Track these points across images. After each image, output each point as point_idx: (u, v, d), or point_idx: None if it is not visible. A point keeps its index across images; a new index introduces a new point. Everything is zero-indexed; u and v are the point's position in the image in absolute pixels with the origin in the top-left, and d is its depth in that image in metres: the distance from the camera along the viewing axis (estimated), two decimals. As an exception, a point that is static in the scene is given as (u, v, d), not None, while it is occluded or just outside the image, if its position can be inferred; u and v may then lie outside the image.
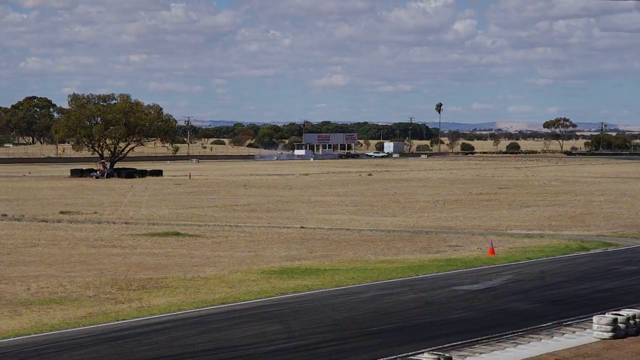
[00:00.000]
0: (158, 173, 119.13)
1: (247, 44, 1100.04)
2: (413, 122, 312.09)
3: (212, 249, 43.74)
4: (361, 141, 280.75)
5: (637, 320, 25.09)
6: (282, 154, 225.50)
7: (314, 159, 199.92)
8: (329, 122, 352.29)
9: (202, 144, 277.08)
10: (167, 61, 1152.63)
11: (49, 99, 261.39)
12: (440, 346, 23.03)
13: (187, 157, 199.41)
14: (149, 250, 43.29)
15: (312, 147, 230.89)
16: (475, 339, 24.29)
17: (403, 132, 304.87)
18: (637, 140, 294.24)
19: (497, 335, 24.81)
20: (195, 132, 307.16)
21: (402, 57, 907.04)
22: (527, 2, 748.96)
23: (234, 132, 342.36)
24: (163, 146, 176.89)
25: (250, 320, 26.59)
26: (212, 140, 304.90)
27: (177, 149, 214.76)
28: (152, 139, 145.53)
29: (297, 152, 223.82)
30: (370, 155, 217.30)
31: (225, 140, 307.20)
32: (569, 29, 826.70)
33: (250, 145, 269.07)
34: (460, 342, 23.90)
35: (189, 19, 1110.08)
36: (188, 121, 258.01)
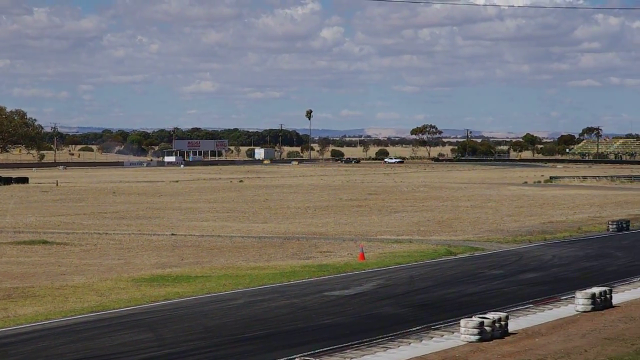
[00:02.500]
0: (24, 180, 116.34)
1: (113, 49, 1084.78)
2: (283, 128, 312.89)
3: (80, 257, 42.98)
4: (232, 148, 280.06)
5: (502, 323, 25.73)
6: (151, 160, 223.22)
7: (184, 166, 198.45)
8: (199, 128, 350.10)
9: (70, 150, 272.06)
10: (32, 66, 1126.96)
11: None
12: (312, 352, 23.17)
13: (54, 164, 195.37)
14: (14, 259, 42.25)
15: (182, 154, 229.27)
16: (347, 344, 24.51)
17: (274, 138, 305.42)
18: (501, 147, 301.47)
19: (367, 340, 25.10)
20: (62, 139, 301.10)
21: (270, 64, 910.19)
22: (392, 10, 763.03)
23: (102, 139, 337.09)
24: (28, 153, 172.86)
25: (121, 328, 26.24)
26: (79, 147, 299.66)
27: (43, 156, 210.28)
28: (18, 145, 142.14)
29: (167, 158, 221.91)
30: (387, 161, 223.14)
31: (94, 147, 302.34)
32: (433, 37, 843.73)
33: (119, 152, 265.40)
34: (331, 348, 24.09)
35: (53, 24, 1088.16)
36: (54, 127, 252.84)
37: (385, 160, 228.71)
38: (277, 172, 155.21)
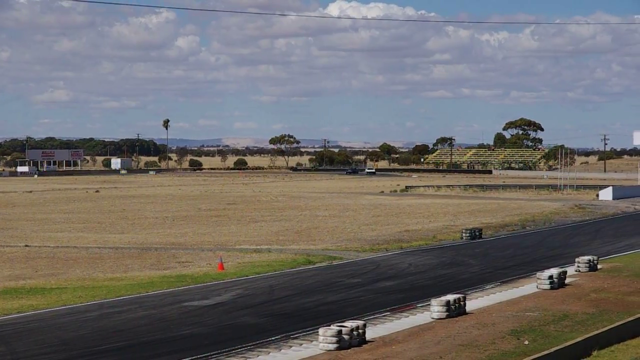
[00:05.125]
0: None
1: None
2: (140, 138, 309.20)
3: None
4: (88, 157, 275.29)
5: (360, 331, 26.07)
6: (3, 170, 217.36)
7: (38, 176, 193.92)
8: (53, 138, 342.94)
9: None
10: None
11: None
12: (171, 363, 23.01)
13: None
14: None
15: (36, 164, 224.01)
16: (205, 355, 24.45)
17: (131, 148, 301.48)
18: (358, 156, 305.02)
19: (226, 350, 25.08)
20: None
21: (126, 73, 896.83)
22: (248, 20, 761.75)
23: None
24: None
25: (-28, 343, 25.48)
26: None
27: None
28: None
29: (20, 168, 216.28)
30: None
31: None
32: (289, 48, 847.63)
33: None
34: (190, 358, 23.98)
35: None
36: None
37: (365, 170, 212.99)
38: (134, 182, 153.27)
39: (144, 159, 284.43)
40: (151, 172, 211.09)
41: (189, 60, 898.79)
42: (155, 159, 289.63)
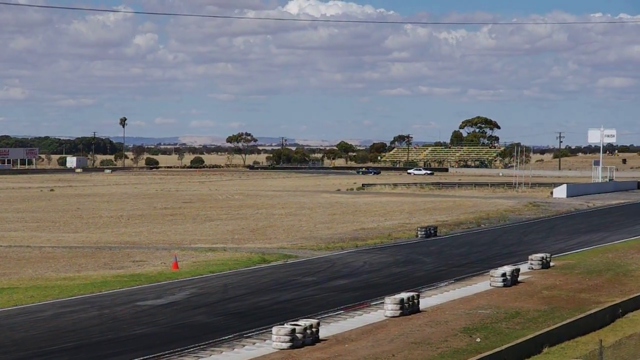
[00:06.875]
0: None
1: None
2: (96, 136, 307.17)
3: None
4: (43, 156, 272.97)
5: (313, 329, 26.10)
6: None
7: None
8: (8, 136, 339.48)
9: None
10: None
11: None
12: (123, 363, 22.90)
13: None
14: None
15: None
16: (157, 355, 24.35)
17: (86, 146, 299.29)
18: (315, 154, 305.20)
19: (179, 349, 25.01)
20: None
21: (83, 71, 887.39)
22: (206, 18, 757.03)
23: None
24: None
25: None
26: None
27: None
28: None
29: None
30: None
31: None
32: (248, 46, 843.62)
33: None
34: (142, 358, 23.88)
35: None
36: None
37: (410, 171, 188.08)
38: (90, 181, 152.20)
39: (100, 157, 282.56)
40: (107, 171, 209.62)
41: (146, 58, 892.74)
42: (112, 157, 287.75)
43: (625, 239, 55.33)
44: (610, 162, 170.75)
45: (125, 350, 24.87)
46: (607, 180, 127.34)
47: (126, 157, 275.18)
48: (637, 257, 46.06)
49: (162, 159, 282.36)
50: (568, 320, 27.85)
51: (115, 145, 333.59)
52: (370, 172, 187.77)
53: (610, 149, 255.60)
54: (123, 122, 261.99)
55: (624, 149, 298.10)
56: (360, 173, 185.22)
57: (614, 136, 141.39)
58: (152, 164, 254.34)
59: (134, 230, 60.96)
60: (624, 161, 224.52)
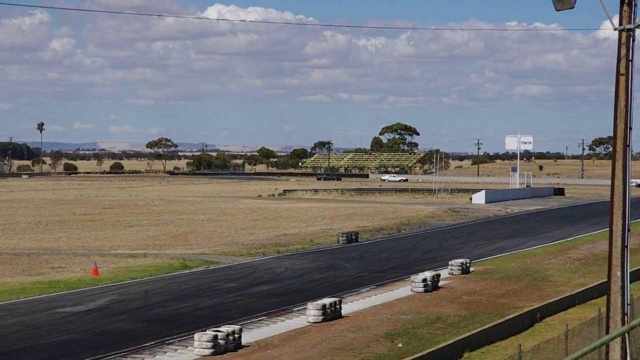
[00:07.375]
0: None
1: None
2: (13, 141, 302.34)
3: None
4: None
5: (236, 336, 26.04)
6: None
7: None
8: None
9: None
10: None
11: None
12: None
13: None
14: None
15: None
16: (79, 362, 24.06)
17: (3, 152, 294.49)
18: (236, 160, 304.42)
19: (99, 356, 24.73)
20: None
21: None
22: (124, 22, 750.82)
23: None
24: None
25: None
26: None
27: None
28: None
29: None
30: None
31: None
32: (167, 51, 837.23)
33: None
34: (63, 366, 23.59)
35: None
36: None
37: (384, 178, 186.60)
38: (6, 187, 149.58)
39: (17, 162, 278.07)
40: (24, 176, 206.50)
41: (64, 63, 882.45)
42: (29, 162, 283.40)
43: (543, 245, 56.24)
44: (527, 169, 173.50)
45: (45, 358, 24.55)
46: (525, 186, 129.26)
47: (44, 162, 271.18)
48: (554, 263, 46.86)
49: (80, 165, 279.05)
50: (488, 325, 28.19)
51: (33, 151, 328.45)
52: (334, 178, 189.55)
53: (527, 155, 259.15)
54: (40, 127, 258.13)
55: (540, 156, 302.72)
56: (322, 179, 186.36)
57: (530, 143, 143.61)
58: (70, 170, 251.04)
59: (52, 237, 60.11)
60: (541, 168, 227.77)
